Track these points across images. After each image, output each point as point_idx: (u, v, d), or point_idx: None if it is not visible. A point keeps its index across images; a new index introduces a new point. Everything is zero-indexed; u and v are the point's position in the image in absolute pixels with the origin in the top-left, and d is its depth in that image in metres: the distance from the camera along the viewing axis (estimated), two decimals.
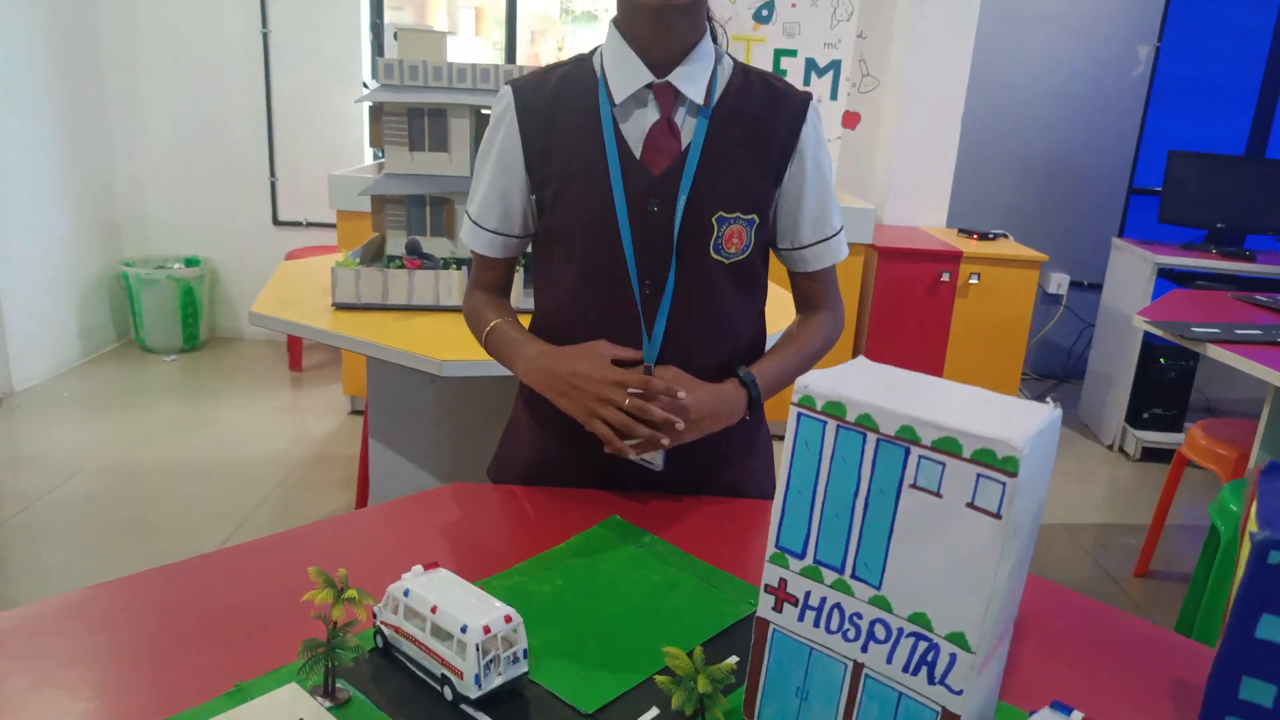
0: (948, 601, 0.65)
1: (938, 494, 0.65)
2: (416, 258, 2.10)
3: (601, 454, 1.13)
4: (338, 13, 4.28)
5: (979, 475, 0.63)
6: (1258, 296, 2.79)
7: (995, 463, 0.62)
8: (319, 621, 0.76)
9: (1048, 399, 0.71)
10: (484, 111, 2.25)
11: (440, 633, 0.77)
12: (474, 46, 4.42)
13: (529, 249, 1.28)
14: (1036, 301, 4.54)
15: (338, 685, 0.78)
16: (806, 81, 4.32)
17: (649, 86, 1.12)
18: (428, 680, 0.79)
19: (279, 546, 1.03)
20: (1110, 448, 3.91)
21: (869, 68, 4.30)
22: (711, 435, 1.14)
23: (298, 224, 4.51)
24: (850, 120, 4.37)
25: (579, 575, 0.99)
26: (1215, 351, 2.20)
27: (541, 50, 7.54)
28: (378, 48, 4.44)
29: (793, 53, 4.30)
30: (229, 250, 4.55)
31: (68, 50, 4.00)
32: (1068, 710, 0.69)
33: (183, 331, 4.36)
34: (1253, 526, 0.55)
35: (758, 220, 1.16)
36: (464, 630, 0.75)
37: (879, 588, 0.68)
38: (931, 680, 0.67)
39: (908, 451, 0.66)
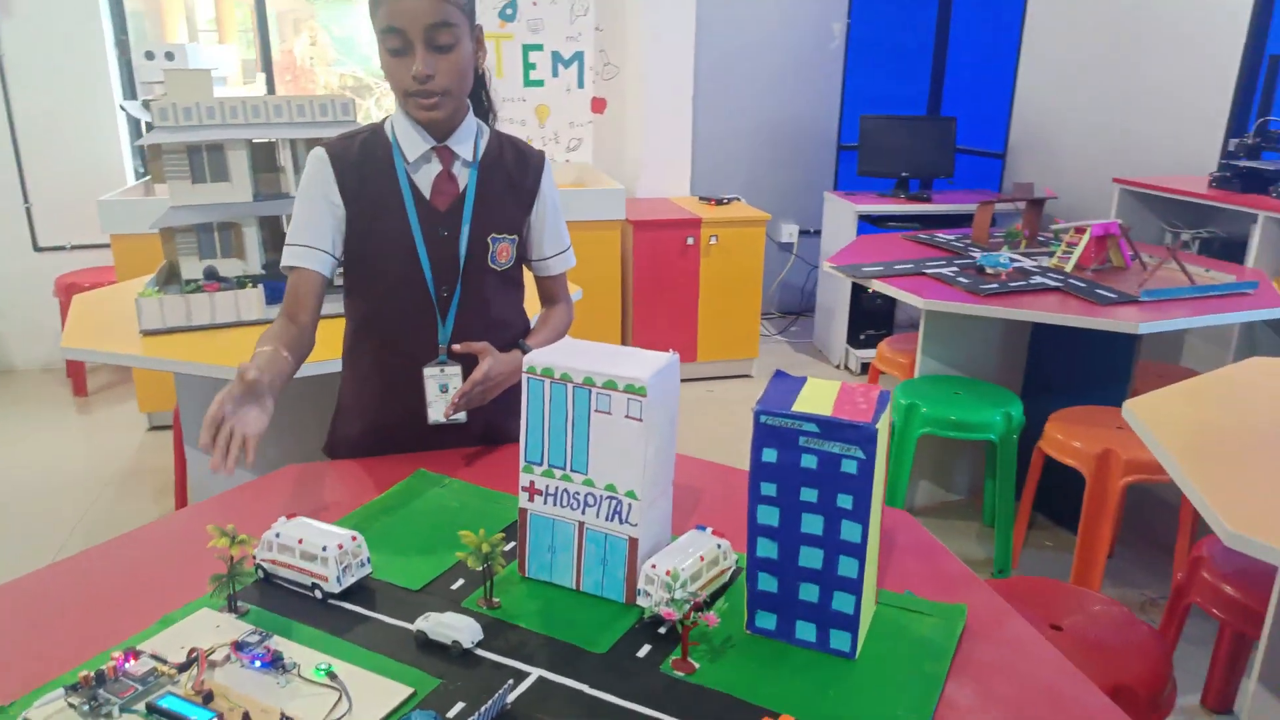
0: (622, 474, 1.11)
1: (609, 413, 1.10)
2: (215, 281, 2.35)
3: (421, 421, 1.55)
4: (77, 30, 4.22)
5: (628, 399, 1.08)
6: (919, 235, 3.53)
7: (635, 390, 1.07)
8: (217, 565, 1.11)
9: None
10: (256, 141, 2.51)
11: (307, 555, 1.15)
12: (221, 53, 4.48)
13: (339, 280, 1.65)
14: (774, 250, 5.26)
15: (238, 603, 1.13)
16: (555, 73, 4.74)
17: (433, 148, 1.54)
18: (301, 590, 1.17)
19: (166, 528, 1.35)
20: (838, 366, 4.68)
21: (609, 57, 4.78)
22: (500, 395, 1.58)
23: (61, 248, 4.44)
24: (598, 105, 4.84)
25: (401, 509, 1.38)
26: (878, 285, 2.85)
27: (296, 47, 7.47)
28: (125, 64, 4.41)
29: (539, 47, 4.71)
30: None
31: None
32: (705, 528, 1.17)
33: None
34: (755, 405, 1.04)
35: (517, 239, 1.63)
36: (324, 549, 1.14)
37: (586, 473, 1.13)
38: (621, 522, 1.12)
39: (590, 391, 1.10)
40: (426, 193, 1.56)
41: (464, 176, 1.58)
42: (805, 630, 1.06)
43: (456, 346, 1.56)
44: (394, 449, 1.61)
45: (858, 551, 1.01)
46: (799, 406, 1.01)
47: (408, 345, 1.60)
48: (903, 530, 1.34)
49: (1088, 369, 2.89)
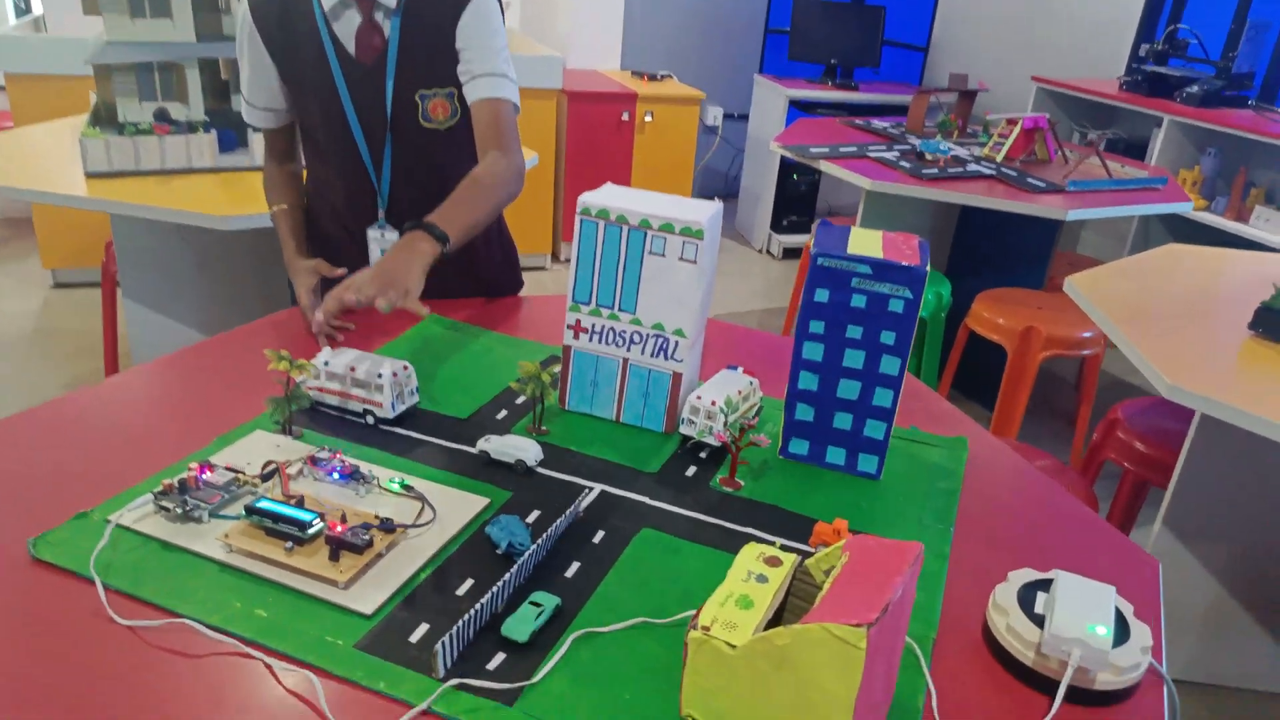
0: (672, 314, 1.18)
1: (664, 255, 1.16)
2: (166, 124, 2.22)
3: None
4: None
5: (684, 242, 1.14)
6: (856, 121, 3.63)
7: (692, 233, 1.13)
8: (268, 391, 1.13)
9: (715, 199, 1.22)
10: None
11: (360, 383, 1.18)
12: None
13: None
14: (698, 133, 5.27)
15: (293, 427, 1.16)
16: None
17: None
18: (351, 417, 1.20)
19: (195, 358, 1.34)
20: (760, 251, 4.81)
21: None
22: (458, 257, 1.47)
23: None
24: None
25: (427, 349, 1.41)
26: (826, 166, 2.95)
27: None
28: None
29: None
30: None
31: None
32: (736, 368, 1.26)
33: None
34: (812, 249, 1.12)
35: (455, 91, 1.49)
36: (380, 376, 1.17)
37: (635, 313, 1.19)
38: (667, 358, 1.20)
39: (645, 234, 1.15)
40: (350, 46, 1.44)
41: (387, 26, 1.44)
42: (835, 455, 1.17)
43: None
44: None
45: (894, 384, 1.12)
46: (851, 251, 1.09)
47: (351, 208, 1.56)
48: None
49: (1010, 253, 3.10)
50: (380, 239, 1.58)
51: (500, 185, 1.44)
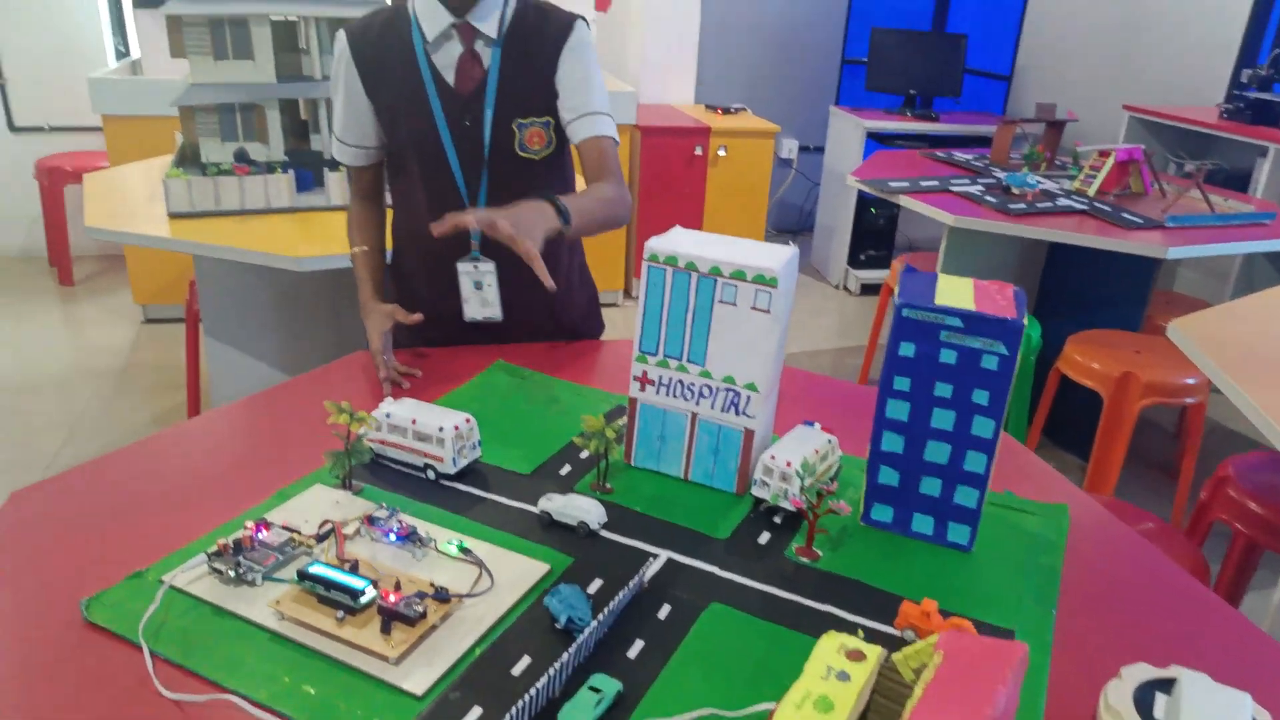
0: (744, 366, 1.11)
1: (735, 304, 1.10)
2: (245, 164, 2.26)
3: (461, 320, 1.51)
4: None
5: (756, 290, 1.08)
6: (937, 153, 3.52)
7: (765, 281, 1.07)
8: (331, 442, 1.10)
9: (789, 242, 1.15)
10: (279, 19, 2.39)
11: (421, 436, 1.14)
12: None
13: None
14: (773, 166, 5.20)
15: (352, 481, 1.13)
16: None
17: (453, 25, 1.44)
18: (412, 471, 1.17)
19: (260, 405, 1.32)
20: (837, 287, 4.70)
21: None
22: (539, 292, 1.47)
23: (39, 129, 4.23)
24: (602, 3, 4.68)
25: (490, 399, 1.38)
26: (906, 201, 2.85)
27: None
28: None
29: None
30: None
31: None
32: (812, 424, 1.18)
33: None
34: (897, 299, 1.04)
35: (551, 121, 1.50)
36: (441, 430, 1.13)
37: (704, 365, 1.13)
38: (738, 413, 1.13)
39: (715, 281, 1.09)
40: (450, 76, 1.46)
41: (487, 56, 1.46)
42: (922, 523, 1.09)
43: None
44: (437, 345, 1.57)
45: (988, 448, 1.03)
46: (939, 301, 1.01)
47: (443, 241, 1.46)
48: None
49: (1104, 293, 2.94)
50: (473, 271, 1.52)
51: (613, 204, 1.46)
